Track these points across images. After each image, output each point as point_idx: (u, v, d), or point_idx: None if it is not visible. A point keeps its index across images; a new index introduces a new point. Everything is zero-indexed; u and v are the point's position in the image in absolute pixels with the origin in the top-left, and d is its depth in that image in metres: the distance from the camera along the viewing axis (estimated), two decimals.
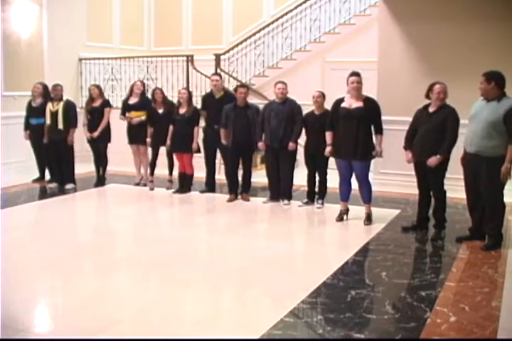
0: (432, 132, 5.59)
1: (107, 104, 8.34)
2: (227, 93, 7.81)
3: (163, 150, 8.11)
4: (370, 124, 6.08)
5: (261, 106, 7.40)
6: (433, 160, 5.57)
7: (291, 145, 6.92)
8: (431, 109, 5.67)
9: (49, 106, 8.10)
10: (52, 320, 3.87)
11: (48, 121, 8.08)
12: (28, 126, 8.42)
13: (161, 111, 7.93)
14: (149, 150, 8.23)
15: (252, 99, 9.68)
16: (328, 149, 6.30)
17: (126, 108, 8.20)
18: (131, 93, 8.25)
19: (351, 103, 6.07)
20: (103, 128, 8.22)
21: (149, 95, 8.29)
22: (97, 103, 8.28)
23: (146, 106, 8.10)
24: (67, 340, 3.47)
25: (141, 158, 8.34)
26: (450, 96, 5.68)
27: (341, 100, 6.17)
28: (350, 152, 6.05)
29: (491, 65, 5.38)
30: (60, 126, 8.01)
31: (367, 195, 6.27)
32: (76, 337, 3.49)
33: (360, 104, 6.03)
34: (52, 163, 8.30)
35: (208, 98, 7.86)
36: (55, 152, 8.14)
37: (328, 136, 6.29)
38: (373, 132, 6.12)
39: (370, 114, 6.02)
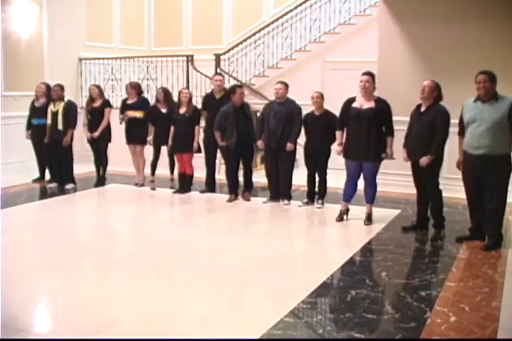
0: (422, 132, 5.61)
1: (107, 104, 8.35)
2: (228, 93, 7.80)
3: (163, 150, 8.12)
4: (381, 125, 6.06)
5: (256, 106, 7.41)
6: (424, 161, 5.58)
7: (289, 145, 6.92)
8: (422, 108, 5.69)
9: (50, 107, 8.11)
10: (52, 320, 3.87)
11: (49, 121, 8.09)
12: (29, 125, 8.43)
13: (164, 110, 7.94)
14: (151, 149, 8.23)
15: (252, 99, 9.71)
16: (338, 149, 6.28)
17: (124, 107, 8.22)
18: (127, 93, 8.28)
19: (362, 103, 6.04)
20: (103, 128, 8.23)
21: (149, 95, 8.31)
22: (97, 103, 8.28)
23: (144, 106, 8.12)
24: (67, 340, 3.47)
25: (137, 158, 8.33)
26: (449, 96, 5.69)
27: (352, 100, 6.14)
28: (362, 153, 6.03)
29: (490, 65, 5.38)
30: (60, 126, 8.01)
31: (371, 196, 6.26)
32: (76, 337, 3.49)
33: (371, 104, 6.01)
34: (52, 163, 8.31)
35: (208, 98, 7.86)
36: (55, 152, 8.15)
37: (339, 135, 6.27)
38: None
39: (381, 114, 6.00)
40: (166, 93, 8.01)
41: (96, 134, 8.21)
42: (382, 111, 6.01)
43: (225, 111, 7.22)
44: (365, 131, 5.99)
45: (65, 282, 4.47)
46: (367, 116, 5.97)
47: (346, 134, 6.21)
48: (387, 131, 6.08)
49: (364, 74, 6.05)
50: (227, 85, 8.43)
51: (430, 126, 5.56)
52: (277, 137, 6.95)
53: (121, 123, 8.19)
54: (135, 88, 8.27)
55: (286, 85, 7.06)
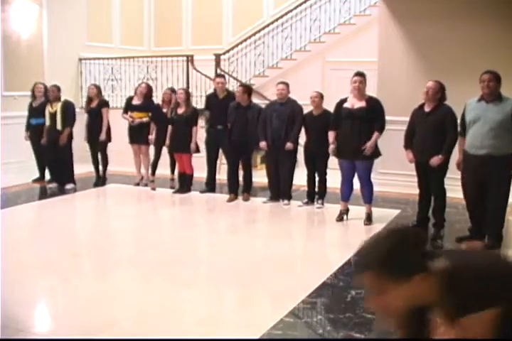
0: (430, 132, 5.60)
1: (103, 104, 8.35)
2: (230, 93, 7.83)
3: (165, 150, 8.13)
4: (373, 124, 6.07)
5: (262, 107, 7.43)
6: (436, 160, 5.57)
7: (288, 145, 6.91)
8: (427, 109, 5.69)
9: (48, 108, 8.11)
10: (53, 320, 3.87)
11: (48, 122, 8.09)
12: (28, 126, 8.43)
13: (165, 110, 7.95)
14: (151, 149, 8.24)
15: (253, 99, 9.70)
16: (331, 147, 6.30)
17: (128, 107, 8.22)
18: (135, 93, 8.28)
19: (354, 103, 6.07)
20: (106, 130, 8.25)
21: (156, 97, 8.36)
22: (94, 103, 8.31)
23: (149, 108, 8.11)
24: (67, 340, 3.47)
25: (142, 157, 8.33)
26: (450, 96, 5.68)
27: (344, 100, 6.17)
28: (353, 152, 6.06)
29: (491, 66, 5.37)
30: (59, 126, 8.01)
31: (368, 195, 6.27)
32: (76, 337, 3.49)
33: (362, 103, 6.03)
34: (51, 163, 8.30)
35: (211, 98, 7.87)
36: (54, 152, 8.14)
37: (331, 135, 6.30)
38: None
39: (372, 113, 6.02)
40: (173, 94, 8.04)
41: (102, 137, 8.23)
42: (373, 110, 6.03)
43: (230, 106, 7.33)
44: (357, 130, 6.01)
45: (65, 282, 4.47)
46: (358, 115, 5.99)
47: (338, 134, 6.22)
48: (376, 126, 6.07)
49: (356, 75, 6.08)
50: (227, 85, 8.43)
51: (439, 127, 5.56)
52: (281, 137, 6.95)
53: (131, 122, 8.17)
54: (147, 86, 8.28)
55: (287, 85, 7.08)
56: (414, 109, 5.84)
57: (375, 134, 6.06)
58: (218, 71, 9.76)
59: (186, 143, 7.63)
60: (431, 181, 5.77)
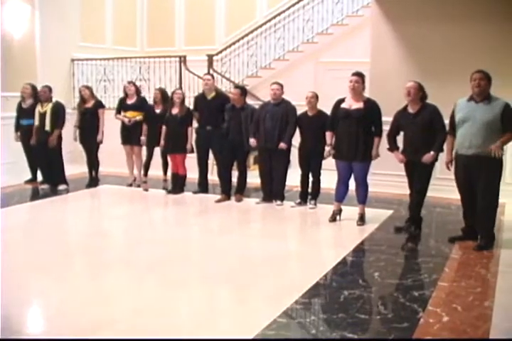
0: (421, 132, 5.64)
1: (99, 105, 8.32)
2: (219, 93, 7.81)
3: (157, 151, 8.12)
4: (371, 125, 6.08)
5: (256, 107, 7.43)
6: (428, 157, 5.61)
7: (281, 145, 6.91)
8: (411, 110, 5.72)
9: (38, 108, 8.07)
10: (47, 320, 3.85)
11: (37, 122, 8.04)
12: (18, 127, 8.39)
13: (158, 111, 7.94)
14: (144, 150, 8.22)
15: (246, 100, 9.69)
16: (327, 149, 6.30)
17: (121, 107, 8.20)
18: (126, 94, 8.26)
19: (351, 104, 6.07)
20: (102, 130, 8.22)
21: (146, 95, 8.34)
22: (90, 104, 8.26)
23: (143, 106, 8.11)
24: (66, 340, 3.46)
25: (135, 158, 8.31)
26: (441, 96, 5.71)
27: (342, 100, 6.17)
28: (351, 153, 6.06)
29: (482, 65, 5.39)
30: (47, 127, 7.97)
31: (363, 196, 6.28)
32: (70, 337, 3.47)
33: (360, 105, 6.04)
34: (42, 164, 8.27)
35: (199, 99, 7.85)
36: (44, 153, 8.09)
37: (328, 136, 6.31)
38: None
39: (369, 115, 6.03)
40: (163, 94, 8.01)
41: (99, 138, 8.20)
42: (370, 112, 6.03)
43: (226, 108, 7.35)
44: (354, 131, 6.02)
45: (59, 283, 4.45)
46: (355, 116, 6.00)
47: (335, 135, 6.24)
48: (375, 131, 6.11)
49: (353, 74, 6.08)
50: (220, 86, 8.42)
51: (427, 126, 5.61)
52: (275, 138, 6.94)
53: (129, 122, 8.13)
54: (134, 85, 8.27)
55: (282, 86, 7.08)
56: (398, 110, 5.88)
57: (376, 140, 6.08)
58: (211, 72, 9.75)
59: (180, 144, 7.62)
60: (417, 179, 5.79)
